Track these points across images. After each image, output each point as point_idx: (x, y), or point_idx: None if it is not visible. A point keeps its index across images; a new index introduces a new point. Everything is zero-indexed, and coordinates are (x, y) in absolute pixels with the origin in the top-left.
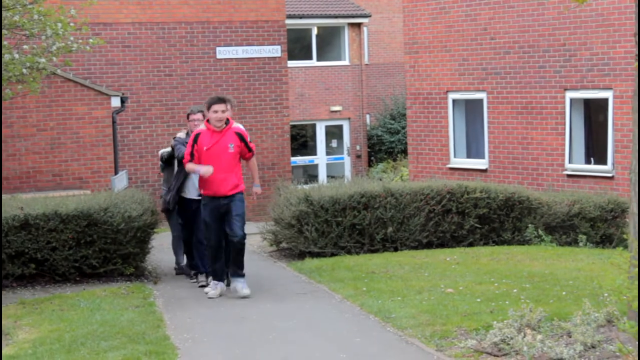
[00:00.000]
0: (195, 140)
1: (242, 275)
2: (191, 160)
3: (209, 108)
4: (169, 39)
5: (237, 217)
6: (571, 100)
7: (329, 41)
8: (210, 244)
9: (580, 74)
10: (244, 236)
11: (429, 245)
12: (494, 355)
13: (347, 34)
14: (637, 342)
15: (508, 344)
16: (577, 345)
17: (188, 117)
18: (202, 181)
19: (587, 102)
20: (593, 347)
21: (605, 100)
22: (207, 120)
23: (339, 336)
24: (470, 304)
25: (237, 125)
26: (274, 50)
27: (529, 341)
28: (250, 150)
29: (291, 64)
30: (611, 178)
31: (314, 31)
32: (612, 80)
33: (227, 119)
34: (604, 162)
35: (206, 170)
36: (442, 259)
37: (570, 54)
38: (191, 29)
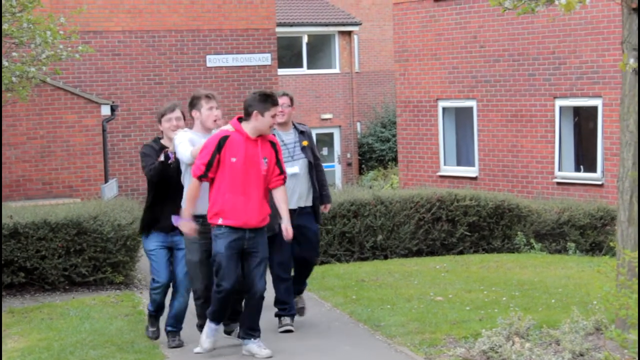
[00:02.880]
0: (219, 147)
1: (259, 335)
2: (204, 176)
3: (266, 109)
4: (159, 47)
5: (262, 264)
6: (561, 108)
7: (319, 49)
8: (221, 290)
9: (569, 82)
10: (264, 289)
11: (419, 253)
12: None
13: (337, 42)
14: (624, 351)
15: (497, 352)
16: (565, 353)
17: (161, 117)
18: (223, 202)
19: (577, 110)
20: (581, 355)
21: (595, 108)
22: (239, 119)
23: (328, 344)
24: (460, 312)
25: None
26: (264, 59)
27: (518, 349)
28: (281, 170)
29: (281, 72)
30: (601, 186)
31: (305, 39)
32: (601, 88)
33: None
34: (594, 170)
35: (188, 230)
36: (431, 267)
37: (560, 62)
38: (181, 37)
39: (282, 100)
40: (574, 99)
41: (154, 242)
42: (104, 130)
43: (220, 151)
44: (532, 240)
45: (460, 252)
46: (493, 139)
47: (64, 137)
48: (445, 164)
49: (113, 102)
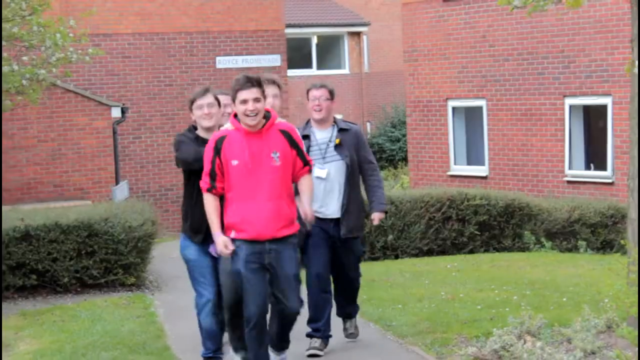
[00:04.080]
0: (217, 151)
1: (287, 348)
2: (212, 188)
3: (234, 97)
4: (168, 49)
5: (292, 280)
6: (570, 106)
7: (328, 50)
8: (248, 321)
9: (579, 81)
10: (301, 306)
11: (429, 253)
12: None
13: (346, 42)
14: (636, 349)
15: (508, 351)
16: (577, 351)
17: (192, 105)
18: (231, 214)
19: (587, 109)
20: (593, 354)
21: (605, 107)
22: (235, 116)
23: (338, 344)
24: (471, 311)
25: (282, 121)
26: (274, 60)
27: (529, 348)
28: (305, 162)
29: (291, 72)
30: (611, 184)
31: (314, 40)
32: (611, 87)
33: (268, 112)
34: (604, 168)
35: (222, 248)
36: (442, 267)
37: (569, 61)
38: (191, 39)
39: (319, 93)
40: (583, 97)
41: (192, 249)
42: (114, 133)
43: (219, 155)
44: (542, 239)
45: (471, 252)
46: (503, 138)
47: (74, 140)
48: (455, 164)
49: (123, 105)
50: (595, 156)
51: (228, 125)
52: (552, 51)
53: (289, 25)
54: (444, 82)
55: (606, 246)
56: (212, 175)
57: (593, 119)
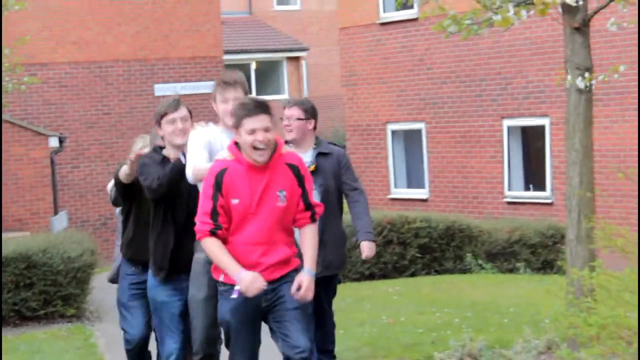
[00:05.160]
0: (218, 186)
1: None
2: (217, 228)
3: (238, 124)
4: (106, 77)
5: (297, 315)
6: (509, 128)
7: (268, 75)
8: None
9: (516, 102)
10: (312, 347)
11: (371, 277)
12: None
13: (285, 68)
14: None
15: None
16: None
17: (161, 119)
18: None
19: (525, 130)
20: None
21: (542, 127)
22: (235, 144)
23: None
24: (412, 334)
25: (288, 150)
26: (212, 86)
27: None
28: (307, 205)
29: None
30: (550, 204)
31: (253, 66)
32: (548, 108)
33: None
34: (543, 189)
35: (248, 285)
36: (384, 290)
37: (507, 83)
38: (128, 67)
39: (290, 112)
40: (521, 118)
41: (164, 290)
42: (52, 163)
43: (220, 191)
44: (482, 261)
45: (413, 275)
46: (442, 160)
47: (12, 170)
48: (395, 187)
49: (61, 134)
50: (534, 177)
51: (225, 154)
52: (489, 73)
53: (227, 52)
54: (382, 106)
55: (546, 266)
56: (215, 215)
57: (531, 139)
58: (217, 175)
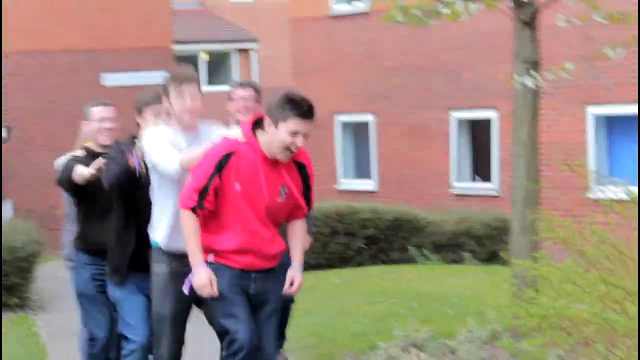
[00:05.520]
0: (219, 168)
1: None
2: (198, 207)
3: (280, 119)
4: (54, 67)
5: (274, 321)
6: (457, 120)
7: (218, 67)
8: (237, 351)
9: (465, 95)
10: (275, 351)
11: (317, 267)
12: None
13: (236, 59)
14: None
15: None
16: None
17: (141, 110)
18: (224, 241)
19: (473, 122)
20: None
21: (490, 120)
22: (255, 124)
23: None
24: (358, 325)
25: (303, 149)
26: (161, 77)
27: None
28: (309, 205)
29: None
30: (497, 196)
31: (203, 57)
32: (496, 100)
33: None
34: (490, 181)
35: (201, 285)
36: (330, 281)
37: (456, 75)
38: (77, 57)
39: (243, 93)
40: (469, 111)
41: (123, 287)
42: None
43: (220, 173)
44: (428, 252)
45: (359, 265)
46: (391, 152)
47: None
48: (343, 178)
49: (8, 124)
50: (481, 169)
51: (236, 134)
52: (438, 66)
53: (176, 42)
54: (332, 98)
55: (492, 257)
56: (203, 194)
57: (479, 132)
58: (224, 157)
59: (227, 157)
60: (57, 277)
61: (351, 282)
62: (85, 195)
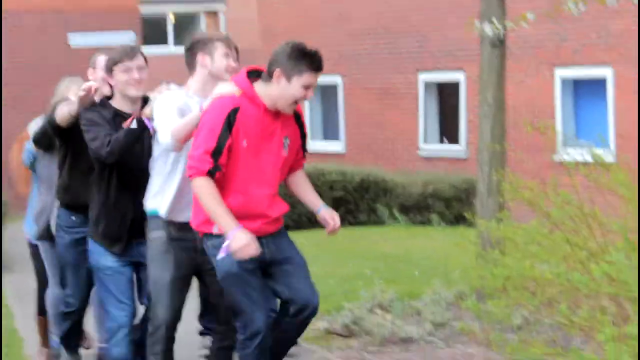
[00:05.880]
0: (229, 124)
1: None
2: (216, 169)
3: (294, 72)
4: (19, 27)
5: (306, 269)
6: (425, 82)
7: (185, 28)
8: (253, 335)
9: (433, 57)
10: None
11: (285, 228)
12: (344, 336)
13: (204, 21)
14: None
15: (358, 325)
16: (426, 324)
17: (110, 70)
18: (227, 205)
19: (441, 85)
20: (442, 325)
21: (458, 82)
22: (249, 75)
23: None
24: (324, 286)
25: None
26: (128, 38)
27: (379, 321)
28: (305, 152)
29: (147, 50)
30: (465, 159)
31: (170, 18)
32: (464, 63)
33: None
34: (458, 143)
35: (241, 247)
36: (298, 242)
37: (424, 38)
38: (43, 18)
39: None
40: (437, 72)
41: (110, 255)
42: None
43: (231, 130)
44: (395, 213)
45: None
46: (359, 114)
47: None
48: (311, 140)
49: None
50: (449, 132)
51: (229, 89)
52: (406, 28)
53: (144, 2)
54: None
55: (460, 219)
56: (217, 155)
57: (447, 94)
58: (230, 113)
59: (234, 112)
60: (23, 238)
61: (318, 243)
62: (71, 143)
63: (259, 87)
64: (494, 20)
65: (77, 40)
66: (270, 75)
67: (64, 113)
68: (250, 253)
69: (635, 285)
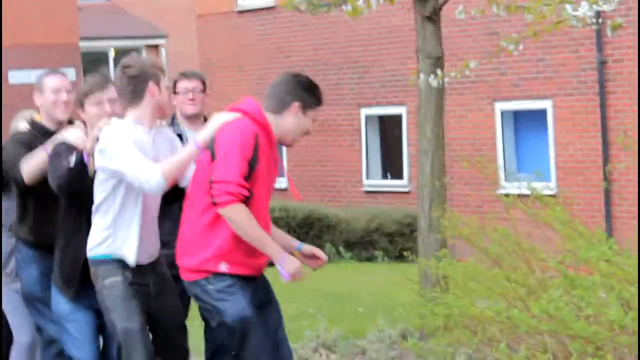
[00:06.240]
0: (257, 150)
1: None
2: (249, 198)
3: (308, 107)
4: None
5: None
6: (366, 116)
7: None
8: None
9: (374, 91)
10: None
11: None
12: None
13: (144, 55)
14: None
15: None
16: None
17: (82, 104)
18: (235, 241)
19: (382, 118)
20: None
21: (399, 116)
22: (262, 115)
23: None
24: None
25: None
26: (69, 73)
27: None
28: None
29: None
30: (408, 193)
31: (111, 53)
32: (405, 96)
33: None
34: (401, 177)
35: (297, 269)
36: None
37: (364, 71)
38: None
39: (193, 85)
40: (378, 107)
41: (65, 301)
42: None
43: (258, 156)
44: (341, 249)
45: (271, 264)
46: (301, 149)
47: None
48: None
49: None
50: (391, 166)
51: (229, 116)
52: (347, 61)
53: (84, 38)
54: (241, 94)
55: (404, 255)
56: (247, 179)
57: (389, 128)
58: (257, 138)
59: (257, 138)
60: None
61: None
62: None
63: (271, 118)
64: (438, 72)
65: (16, 77)
66: (283, 107)
67: (33, 170)
68: (304, 275)
69: (574, 322)
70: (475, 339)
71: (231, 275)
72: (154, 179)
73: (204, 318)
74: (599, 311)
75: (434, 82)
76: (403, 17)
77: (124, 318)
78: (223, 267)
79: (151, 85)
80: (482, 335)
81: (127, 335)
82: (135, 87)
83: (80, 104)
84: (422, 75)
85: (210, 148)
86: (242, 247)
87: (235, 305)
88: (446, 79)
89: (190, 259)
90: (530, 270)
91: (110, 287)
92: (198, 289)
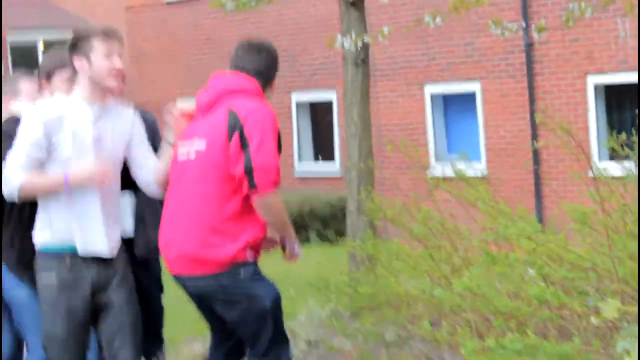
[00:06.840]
0: (279, 135)
1: None
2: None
3: (271, 79)
4: None
5: None
6: (297, 102)
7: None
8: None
9: (304, 78)
10: None
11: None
12: None
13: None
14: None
15: None
16: (300, 343)
17: (50, 75)
18: (259, 228)
19: (313, 104)
20: (316, 344)
21: (330, 102)
22: (265, 90)
23: None
24: None
25: None
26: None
27: None
28: None
29: None
30: (340, 178)
31: (40, 45)
32: (335, 82)
33: None
34: (333, 162)
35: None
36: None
37: (293, 59)
38: None
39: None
40: (309, 92)
41: (24, 288)
42: None
43: (280, 140)
44: None
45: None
46: None
47: None
48: None
49: None
50: (323, 150)
51: (189, 104)
52: (276, 50)
53: (12, 29)
54: (171, 83)
55: (337, 237)
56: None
57: (321, 113)
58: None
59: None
60: None
61: None
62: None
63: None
64: (353, 34)
65: None
66: (269, 82)
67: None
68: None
69: (495, 298)
70: (398, 317)
71: (254, 262)
72: (10, 184)
73: (220, 311)
74: (519, 287)
75: (347, 44)
76: (330, 5)
77: (48, 322)
78: (250, 255)
79: (76, 60)
80: (408, 313)
81: (49, 341)
82: (71, 64)
83: (48, 76)
84: (339, 40)
85: (239, 130)
86: (265, 233)
87: (268, 288)
88: (360, 43)
89: (223, 249)
90: (454, 249)
91: (43, 286)
92: (228, 279)
